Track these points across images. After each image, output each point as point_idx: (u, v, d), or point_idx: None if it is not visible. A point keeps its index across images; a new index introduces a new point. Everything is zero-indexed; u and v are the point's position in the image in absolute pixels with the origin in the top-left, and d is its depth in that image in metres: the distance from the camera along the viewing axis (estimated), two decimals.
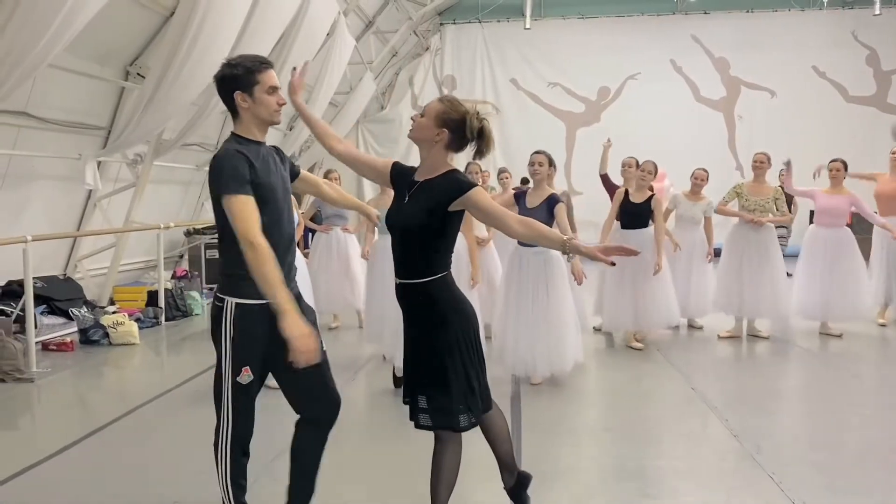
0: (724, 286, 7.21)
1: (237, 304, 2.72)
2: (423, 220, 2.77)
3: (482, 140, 2.81)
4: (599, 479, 3.92)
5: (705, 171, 7.60)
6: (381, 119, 16.19)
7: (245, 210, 2.58)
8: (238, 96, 2.70)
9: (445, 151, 2.82)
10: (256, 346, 2.74)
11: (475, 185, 2.77)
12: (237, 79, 2.69)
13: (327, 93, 11.37)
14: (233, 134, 2.76)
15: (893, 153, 7.71)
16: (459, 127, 2.78)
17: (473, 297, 5.31)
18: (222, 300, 2.75)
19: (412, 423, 2.93)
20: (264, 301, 2.61)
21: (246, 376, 2.75)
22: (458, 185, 2.75)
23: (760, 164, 7.08)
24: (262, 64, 2.73)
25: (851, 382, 5.97)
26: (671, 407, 5.22)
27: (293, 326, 2.50)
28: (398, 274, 2.88)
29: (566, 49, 16.02)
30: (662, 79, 15.83)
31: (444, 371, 2.80)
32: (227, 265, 2.74)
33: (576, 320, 5.73)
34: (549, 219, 5.31)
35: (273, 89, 2.73)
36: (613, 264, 2.82)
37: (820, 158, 14.78)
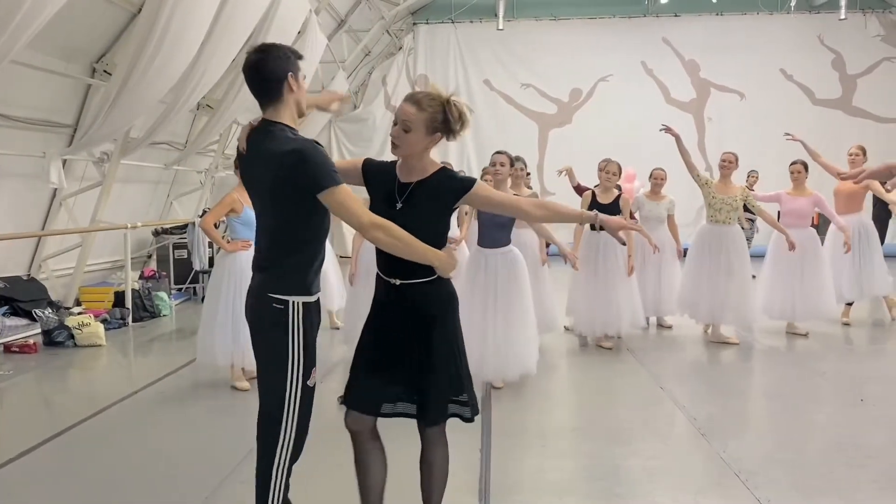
0: (688, 289, 7.22)
1: (303, 303, 2.61)
2: (433, 222, 2.77)
3: (462, 123, 2.76)
4: (569, 479, 3.93)
5: (663, 170, 7.76)
6: (354, 118, 16.11)
7: (352, 197, 2.55)
8: (290, 79, 2.63)
9: (431, 149, 2.81)
10: (314, 344, 2.67)
11: (475, 179, 2.82)
12: (289, 61, 2.64)
13: None
14: (279, 123, 2.62)
15: (851, 154, 7.85)
16: (447, 124, 2.74)
17: None
18: (284, 302, 2.59)
19: (418, 421, 2.84)
20: (317, 296, 2.67)
21: (314, 378, 2.65)
22: (460, 182, 2.78)
23: (728, 164, 7.09)
24: (300, 54, 2.74)
25: (817, 381, 6.06)
26: (640, 407, 5.25)
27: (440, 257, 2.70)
28: (398, 275, 2.79)
29: (539, 50, 16.08)
30: (633, 81, 15.96)
31: (456, 363, 2.82)
32: (295, 264, 2.62)
33: (534, 325, 5.62)
34: (510, 220, 5.36)
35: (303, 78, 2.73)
36: (624, 243, 3.51)
37: (787, 160, 15.10)
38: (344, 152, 15.83)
